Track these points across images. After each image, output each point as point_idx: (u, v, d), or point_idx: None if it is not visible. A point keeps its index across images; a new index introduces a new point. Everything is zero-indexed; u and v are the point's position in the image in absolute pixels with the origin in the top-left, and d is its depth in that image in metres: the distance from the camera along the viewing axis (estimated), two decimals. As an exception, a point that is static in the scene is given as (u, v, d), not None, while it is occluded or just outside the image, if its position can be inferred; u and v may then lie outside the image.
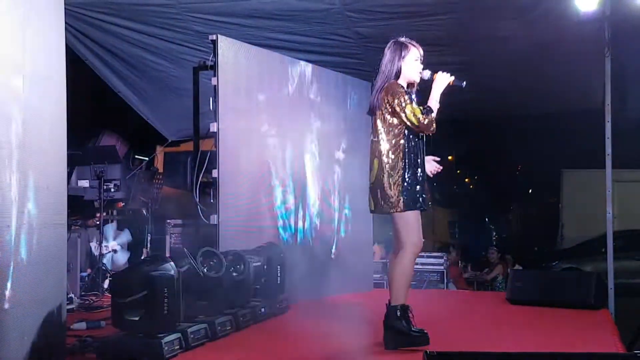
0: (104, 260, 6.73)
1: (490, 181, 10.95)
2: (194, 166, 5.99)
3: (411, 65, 4.48)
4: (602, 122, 6.17)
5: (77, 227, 6.50)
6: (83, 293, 6.38)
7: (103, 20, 6.96)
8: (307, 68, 6.90)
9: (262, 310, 5.37)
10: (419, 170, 4.43)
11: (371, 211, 4.58)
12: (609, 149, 6.11)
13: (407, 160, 4.38)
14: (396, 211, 4.37)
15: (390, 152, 4.39)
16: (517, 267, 7.30)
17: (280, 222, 6.44)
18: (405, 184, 4.36)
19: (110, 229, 6.91)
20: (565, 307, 5.97)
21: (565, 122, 8.54)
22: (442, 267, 7.73)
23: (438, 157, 4.75)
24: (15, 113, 3.65)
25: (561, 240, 9.61)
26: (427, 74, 4.51)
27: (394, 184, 4.36)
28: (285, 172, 6.55)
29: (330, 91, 7.13)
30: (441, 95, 4.47)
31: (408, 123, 4.34)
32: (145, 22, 6.95)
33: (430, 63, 7.40)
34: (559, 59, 6.84)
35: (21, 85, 3.70)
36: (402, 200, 4.34)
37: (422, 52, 4.56)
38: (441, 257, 7.78)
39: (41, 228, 3.76)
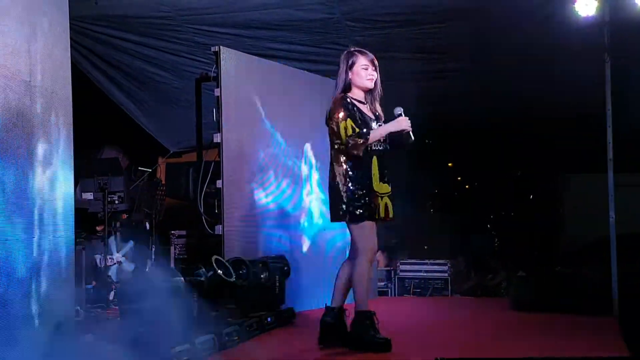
0: (109, 272, 6.74)
1: (491, 187, 10.94)
2: (198, 177, 6.01)
3: (360, 73, 4.60)
4: (604, 126, 6.20)
5: (81, 239, 6.49)
6: (88, 305, 6.38)
7: (104, 34, 6.99)
8: (308, 77, 6.92)
9: (269, 319, 5.38)
10: (367, 182, 4.51)
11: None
12: (610, 154, 6.13)
13: (352, 172, 4.49)
14: (344, 221, 4.50)
15: (337, 164, 4.53)
16: (520, 273, 7.28)
17: (285, 232, 6.45)
18: (350, 194, 4.46)
19: (112, 242, 6.91)
20: (570, 312, 5.98)
21: (567, 126, 8.53)
22: (446, 275, 7.75)
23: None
24: (24, 126, 3.68)
25: (563, 245, 9.61)
26: (397, 111, 4.61)
27: (341, 194, 4.47)
28: (289, 181, 6.57)
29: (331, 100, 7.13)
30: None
31: (339, 137, 4.46)
32: (146, 35, 6.98)
33: (431, 70, 7.52)
34: (559, 64, 6.86)
35: (29, 99, 3.73)
36: (347, 210, 4.46)
37: (373, 58, 4.65)
38: (445, 264, 7.79)
39: (50, 240, 3.78)
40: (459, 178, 12.10)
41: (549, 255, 9.53)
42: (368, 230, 4.51)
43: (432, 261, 7.87)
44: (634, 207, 7.77)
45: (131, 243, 7.23)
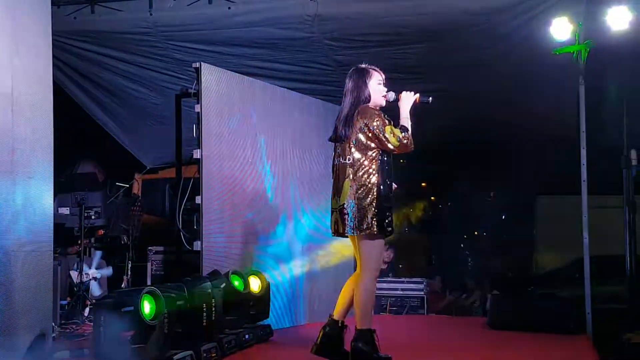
0: (84, 288, 6.67)
1: (465, 207, 11.04)
2: (177, 193, 5.98)
3: (376, 89, 4.54)
4: (577, 149, 6.28)
5: (56, 255, 6.43)
6: (63, 321, 6.30)
7: (82, 48, 6.97)
8: (289, 95, 6.96)
9: (247, 336, 5.35)
10: (390, 193, 4.44)
11: (334, 234, 4.54)
12: (584, 176, 6.20)
13: (381, 183, 4.37)
14: (367, 234, 4.33)
15: (364, 175, 4.36)
16: (494, 292, 7.34)
17: (266, 247, 6.44)
18: (379, 207, 4.33)
19: (97, 256, 6.84)
20: (545, 332, 6.04)
21: (540, 149, 8.64)
22: (422, 293, 7.75)
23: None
24: (5, 139, 3.66)
25: (535, 266, 9.73)
26: (392, 95, 4.56)
27: (368, 206, 4.32)
28: (269, 197, 6.56)
29: (312, 119, 7.16)
30: (413, 120, 4.51)
31: (388, 144, 4.34)
32: (125, 50, 6.97)
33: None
34: (534, 86, 6.98)
35: (10, 112, 3.71)
36: (375, 223, 4.31)
37: (383, 76, 4.62)
38: (421, 283, 7.80)
39: (29, 254, 3.75)
40: (433, 198, 12.20)
41: (522, 275, 9.64)
42: (381, 247, 4.44)
43: (408, 279, 7.89)
44: (604, 230, 7.87)
45: (99, 253, 7.16)
